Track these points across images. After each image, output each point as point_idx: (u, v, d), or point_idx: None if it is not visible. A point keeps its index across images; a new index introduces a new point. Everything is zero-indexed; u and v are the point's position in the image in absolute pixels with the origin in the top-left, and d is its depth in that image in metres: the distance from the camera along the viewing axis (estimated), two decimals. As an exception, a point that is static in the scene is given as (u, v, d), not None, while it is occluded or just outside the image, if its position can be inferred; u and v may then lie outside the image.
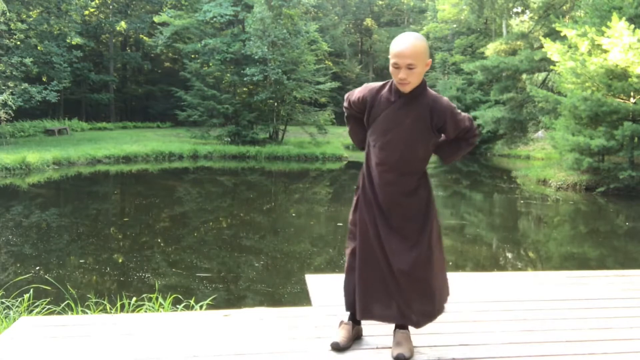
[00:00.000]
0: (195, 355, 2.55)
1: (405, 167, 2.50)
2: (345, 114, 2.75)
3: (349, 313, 2.73)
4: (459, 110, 2.54)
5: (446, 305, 3.27)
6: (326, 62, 32.98)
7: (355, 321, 2.71)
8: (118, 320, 3.04)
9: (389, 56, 2.45)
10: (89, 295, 4.67)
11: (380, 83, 2.59)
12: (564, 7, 24.90)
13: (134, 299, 4.21)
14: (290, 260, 7.53)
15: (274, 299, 5.67)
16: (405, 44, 2.36)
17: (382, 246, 2.50)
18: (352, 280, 2.62)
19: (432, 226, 2.54)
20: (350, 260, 2.63)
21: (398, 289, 2.49)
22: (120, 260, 7.31)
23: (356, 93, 2.62)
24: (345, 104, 2.70)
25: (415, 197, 2.52)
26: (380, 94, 2.53)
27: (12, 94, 20.56)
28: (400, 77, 2.39)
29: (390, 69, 2.43)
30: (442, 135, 2.59)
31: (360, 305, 2.55)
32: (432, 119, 2.46)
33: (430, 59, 2.48)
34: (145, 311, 4.07)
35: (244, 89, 27.28)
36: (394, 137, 2.48)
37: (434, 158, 2.75)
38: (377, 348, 2.64)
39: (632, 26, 12.33)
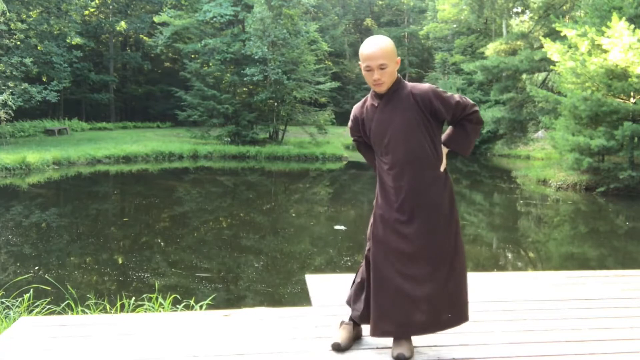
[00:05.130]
0: (195, 355, 2.55)
1: (415, 162, 2.50)
2: (355, 142, 2.83)
3: (349, 313, 2.73)
4: (445, 90, 2.55)
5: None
6: (326, 62, 32.96)
7: (355, 322, 2.71)
8: (118, 320, 3.04)
9: (360, 62, 2.53)
10: (88, 295, 4.67)
11: (363, 99, 2.71)
12: (564, 7, 24.92)
13: (134, 299, 4.21)
14: (290, 260, 7.53)
15: (274, 299, 5.67)
16: (373, 47, 2.46)
17: (398, 265, 2.49)
18: (364, 292, 2.63)
19: (451, 224, 2.54)
20: (363, 273, 2.64)
21: (410, 304, 2.48)
22: (120, 260, 7.31)
23: (350, 119, 2.74)
24: (350, 133, 2.81)
25: (434, 190, 2.50)
26: (365, 105, 2.65)
27: (12, 94, 20.56)
28: (374, 78, 2.48)
29: (363, 73, 2.53)
30: (442, 122, 2.58)
31: (375, 322, 2.54)
32: (418, 104, 2.50)
33: (399, 58, 2.55)
34: (145, 311, 4.07)
35: (244, 89, 27.27)
36: (391, 136, 2.52)
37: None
38: (377, 348, 2.64)
39: (632, 26, 12.32)
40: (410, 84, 2.56)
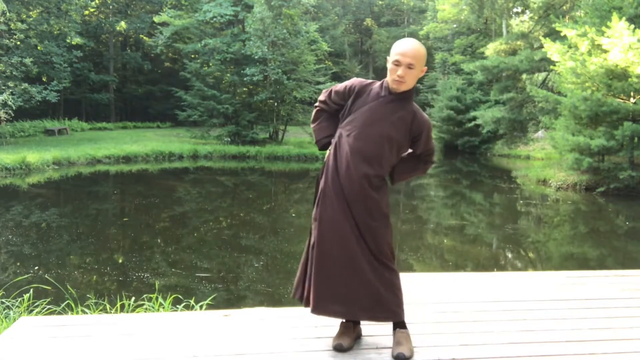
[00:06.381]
0: (195, 355, 2.55)
1: (377, 161, 2.57)
2: (317, 108, 2.81)
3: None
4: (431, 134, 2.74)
5: (446, 305, 3.27)
6: (326, 62, 32.95)
7: (355, 321, 2.71)
8: (118, 320, 3.04)
9: (390, 55, 2.56)
10: (88, 295, 4.67)
11: (371, 80, 2.72)
12: (564, 7, 24.91)
13: (134, 299, 4.21)
14: (290, 260, 7.52)
15: (274, 299, 5.67)
16: (409, 45, 2.54)
17: (343, 243, 2.54)
18: (307, 273, 2.66)
19: (389, 226, 2.62)
20: (307, 254, 2.68)
21: (353, 286, 2.54)
22: (120, 260, 7.31)
23: (343, 83, 2.73)
24: (323, 97, 2.76)
25: (378, 194, 2.59)
26: (371, 87, 2.66)
27: (12, 94, 20.55)
28: (399, 74, 2.52)
29: (390, 66, 2.56)
30: (409, 150, 2.71)
31: (315, 300, 2.57)
32: (412, 125, 2.61)
33: (426, 67, 2.63)
34: (145, 311, 4.07)
35: (244, 89, 27.25)
36: (375, 129, 2.56)
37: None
38: (377, 348, 2.64)
39: (632, 26, 12.32)
40: (416, 105, 2.65)
